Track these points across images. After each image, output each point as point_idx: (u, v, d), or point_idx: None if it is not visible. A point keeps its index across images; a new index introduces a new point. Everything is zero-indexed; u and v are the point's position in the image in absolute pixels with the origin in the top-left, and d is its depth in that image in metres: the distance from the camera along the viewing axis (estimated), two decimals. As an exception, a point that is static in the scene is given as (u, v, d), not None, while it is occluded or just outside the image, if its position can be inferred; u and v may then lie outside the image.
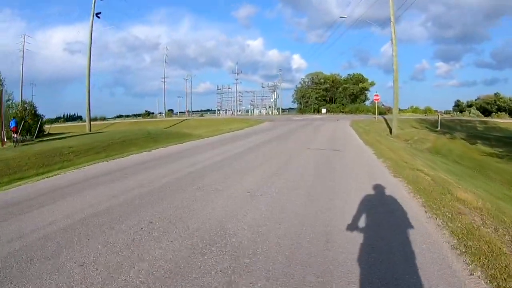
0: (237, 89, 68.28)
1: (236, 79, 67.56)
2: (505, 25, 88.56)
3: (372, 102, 61.45)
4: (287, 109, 71.38)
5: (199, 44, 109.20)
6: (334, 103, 60.02)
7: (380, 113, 47.58)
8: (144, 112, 64.24)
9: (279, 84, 67.30)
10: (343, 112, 53.02)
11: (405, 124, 28.43)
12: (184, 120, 41.13)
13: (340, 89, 59.95)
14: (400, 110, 51.63)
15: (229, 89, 68.86)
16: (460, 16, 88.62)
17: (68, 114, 70.05)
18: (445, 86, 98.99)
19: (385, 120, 29.41)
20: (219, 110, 69.61)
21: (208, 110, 78.34)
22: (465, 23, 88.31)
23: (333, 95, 61.50)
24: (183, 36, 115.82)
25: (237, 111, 70.07)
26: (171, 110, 67.78)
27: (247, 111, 69.59)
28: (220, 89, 69.66)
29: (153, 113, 63.15)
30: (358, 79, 60.02)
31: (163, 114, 59.92)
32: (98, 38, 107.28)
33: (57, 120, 52.59)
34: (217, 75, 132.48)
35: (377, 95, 30.85)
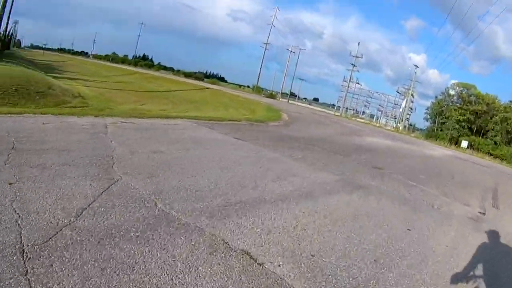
0: (355, 79, 50.60)
1: (353, 65, 47.70)
2: None
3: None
4: (420, 129, 46.68)
5: (361, 43, 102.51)
6: (482, 137, 36.05)
7: None
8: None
9: (410, 89, 43.45)
10: (492, 154, 29.86)
11: None
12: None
13: (497, 118, 35.86)
14: None
15: (357, 85, 51.50)
16: None
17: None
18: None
19: None
20: (338, 107, 52.16)
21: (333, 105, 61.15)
22: None
23: (484, 124, 37.34)
24: (346, 31, 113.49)
25: (361, 113, 52.05)
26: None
27: (372, 116, 51.42)
28: (346, 81, 50.42)
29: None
30: (530, 111, 33.68)
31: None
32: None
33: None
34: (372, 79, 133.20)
35: None
